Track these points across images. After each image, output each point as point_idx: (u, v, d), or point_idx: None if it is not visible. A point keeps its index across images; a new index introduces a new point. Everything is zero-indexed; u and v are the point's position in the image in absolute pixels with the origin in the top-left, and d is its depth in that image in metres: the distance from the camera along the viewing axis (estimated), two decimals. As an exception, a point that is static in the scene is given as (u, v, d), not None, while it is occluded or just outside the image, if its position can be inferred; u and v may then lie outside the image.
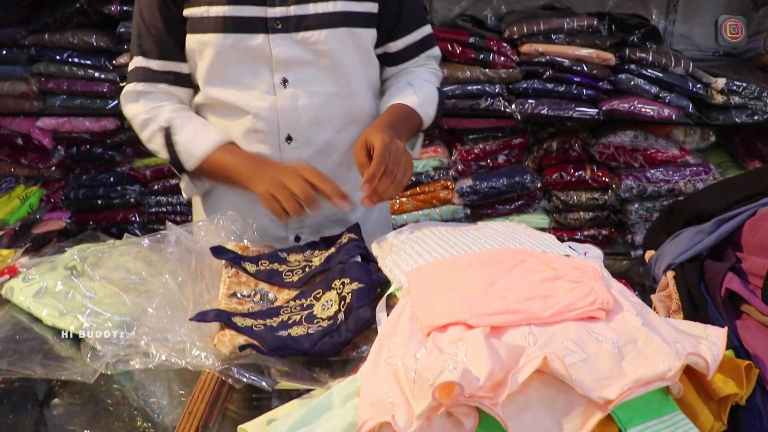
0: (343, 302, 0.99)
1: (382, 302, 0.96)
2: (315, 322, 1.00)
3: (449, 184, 2.71)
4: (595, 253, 1.17)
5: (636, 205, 2.72)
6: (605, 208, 2.77)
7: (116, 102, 2.59)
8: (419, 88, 1.39)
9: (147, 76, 1.33)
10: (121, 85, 1.87)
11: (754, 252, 1.00)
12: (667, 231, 1.28)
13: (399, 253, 1.05)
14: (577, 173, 2.71)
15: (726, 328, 0.80)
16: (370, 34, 1.35)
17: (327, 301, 1.02)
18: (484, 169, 2.75)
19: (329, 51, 1.29)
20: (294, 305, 1.05)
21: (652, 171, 2.70)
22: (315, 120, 1.33)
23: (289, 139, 1.33)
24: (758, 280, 0.94)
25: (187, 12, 1.28)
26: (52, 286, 1.14)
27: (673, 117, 2.57)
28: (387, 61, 1.46)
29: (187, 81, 1.37)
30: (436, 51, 1.51)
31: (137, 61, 1.34)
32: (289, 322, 1.00)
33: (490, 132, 2.75)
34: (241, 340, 0.94)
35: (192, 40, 1.29)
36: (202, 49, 1.28)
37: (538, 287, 0.86)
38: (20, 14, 2.56)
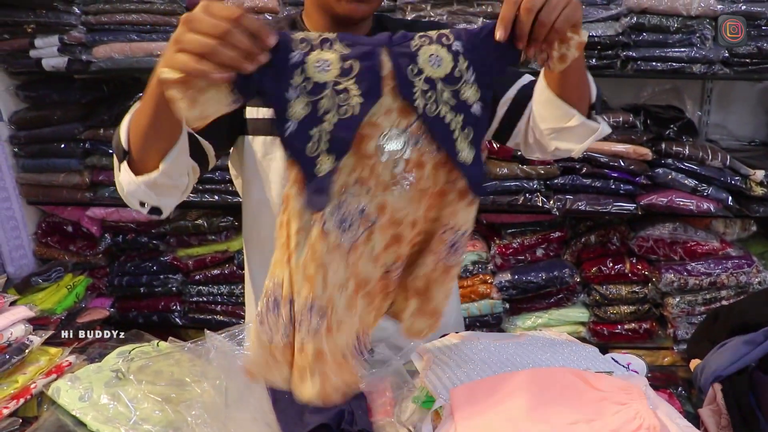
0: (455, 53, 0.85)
1: (428, 419, 0.95)
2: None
3: (488, 278, 2.71)
4: (638, 364, 1.15)
5: (677, 299, 2.67)
6: (646, 301, 2.72)
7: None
8: None
9: None
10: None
11: (805, 369, 0.98)
12: (711, 339, 1.26)
13: (441, 366, 1.05)
14: (616, 267, 2.68)
15: (781, 455, 0.78)
16: None
17: (431, 56, 0.85)
18: (522, 264, 2.75)
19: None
20: None
21: (693, 264, 2.65)
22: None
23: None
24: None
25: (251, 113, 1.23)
26: (96, 392, 1.16)
27: (712, 210, 2.55)
28: (502, 132, 1.30)
29: (198, 154, 1.17)
30: None
31: None
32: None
33: (528, 226, 2.76)
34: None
35: (257, 141, 1.24)
36: (274, 151, 1.23)
37: (583, 409, 0.85)
38: (80, 112, 2.71)
